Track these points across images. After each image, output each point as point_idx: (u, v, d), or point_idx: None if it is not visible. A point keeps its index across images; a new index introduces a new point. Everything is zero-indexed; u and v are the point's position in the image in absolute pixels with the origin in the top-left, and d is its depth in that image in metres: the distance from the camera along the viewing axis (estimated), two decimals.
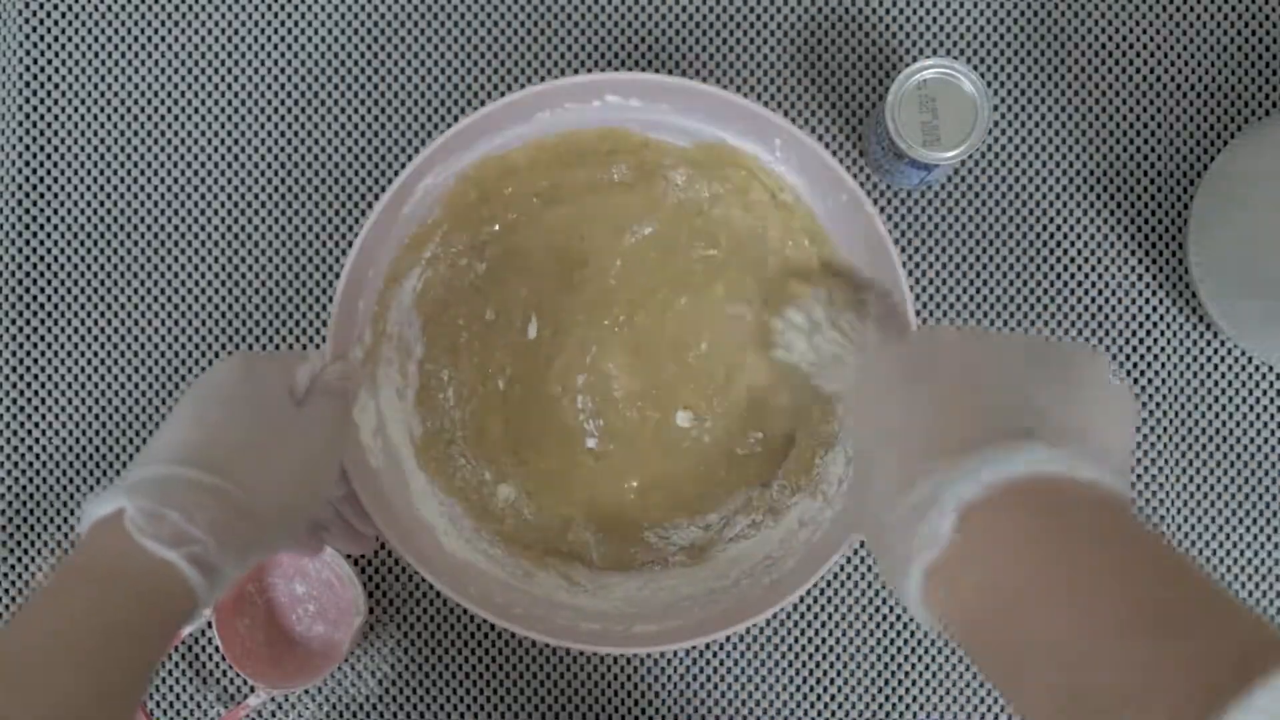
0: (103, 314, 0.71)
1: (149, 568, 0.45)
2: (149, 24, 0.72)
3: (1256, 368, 0.70)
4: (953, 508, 0.35)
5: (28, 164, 0.71)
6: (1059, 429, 0.37)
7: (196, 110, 0.72)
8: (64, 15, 0.72)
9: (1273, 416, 0.70)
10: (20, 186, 0.71)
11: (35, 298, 0.71)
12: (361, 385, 0.62)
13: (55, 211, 0.71)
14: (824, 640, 0.70)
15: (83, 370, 0.71)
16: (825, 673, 0.70)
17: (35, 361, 0.71)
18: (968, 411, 0.38)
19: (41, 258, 0.71)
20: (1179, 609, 0.32)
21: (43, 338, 0.71)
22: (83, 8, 0.72)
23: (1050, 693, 0.33)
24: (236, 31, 0.72)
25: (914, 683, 0.70)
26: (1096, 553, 0.34)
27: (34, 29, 0.72)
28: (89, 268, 0.71)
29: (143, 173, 0.72)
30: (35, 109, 0.71)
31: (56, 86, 0.72)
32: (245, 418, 0.52)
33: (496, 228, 0.67)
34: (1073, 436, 0.37)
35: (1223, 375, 0.70)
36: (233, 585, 0.49)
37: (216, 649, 0.70)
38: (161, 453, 0.49)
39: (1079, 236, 0.71)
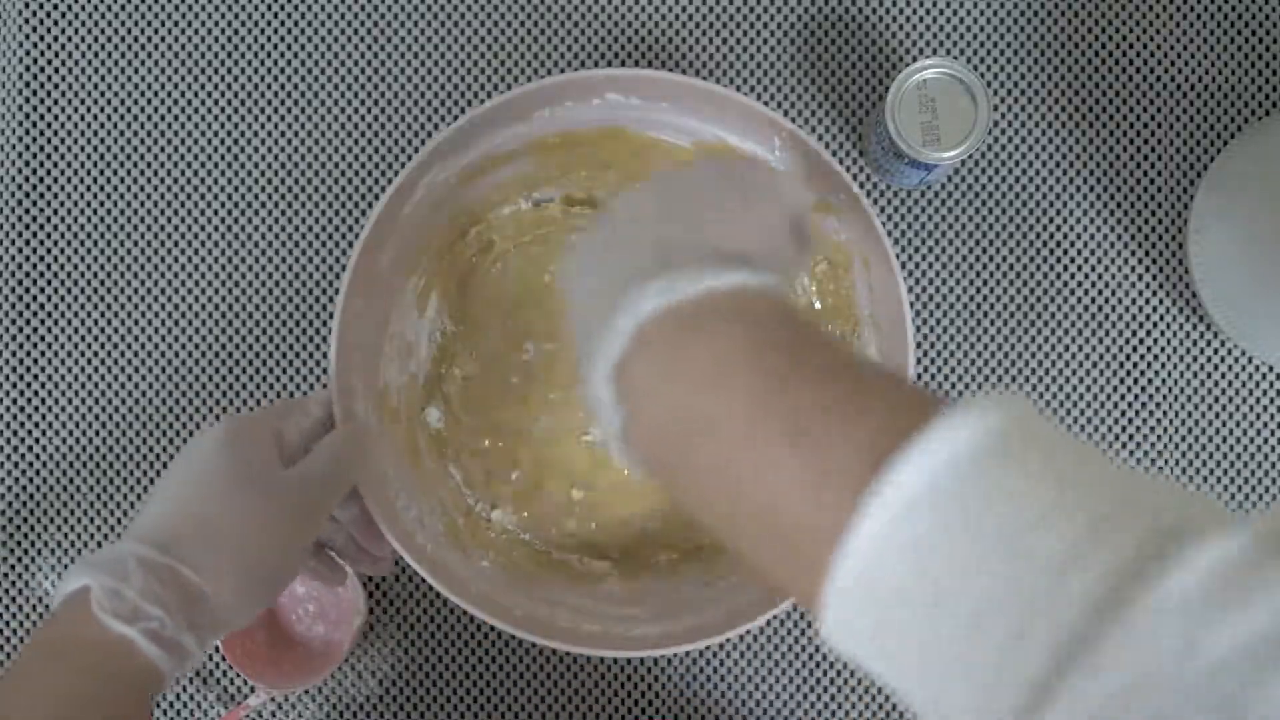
0: (103, 314, 0.71)
1: (109, 643, 0.47)
2: (149, 24, 0.72)
3: (1256, 368, 0.70)
4: (632, 321, 0.37)
5: (28, 164, 0.71)
6: (728, 255, 0.39)
7: (196, 110, 0.72)
8: (64, 15, 0.72)
9: (1273, 416, 0.70)
10: (20, 186, 0.71)
11: (35, 298, 0.71)
12: (364, 453, 0.61)
13: (55, 211, 0.71)
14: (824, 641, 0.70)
15: (83, 370, 0.71)
16: (825, 674, 0.70)
17: (35, 361, 0.71)
18: (646, 249, 0.40)
19: (41, 258, 0.71)
20: (829, 406, 0.33)
21: (43, 338, 0.71)
22: (83, 8, 0.72)
23: (728, 498, 0.35)
24: (236, 31, 0.72)
25: None
26: (755, 360, 0.35)
27: (34, 29, 0.72)
28: (89, 268, 0.71)
29: (143, 173, 0.71)
30: (35, 109, 0.71)
31: (56, 86, 0.72)
32: (214, 493, 0.52)
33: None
34: (739, 258, 0.39)
35: (1223, 375, 0.70)
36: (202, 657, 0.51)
37: (216, 649, 0.70)
38: (135, 529, 0.51)
39: (1079, 236, 0.71)
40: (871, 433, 0.32)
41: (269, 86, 0.72)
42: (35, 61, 0.72)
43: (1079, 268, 0.71)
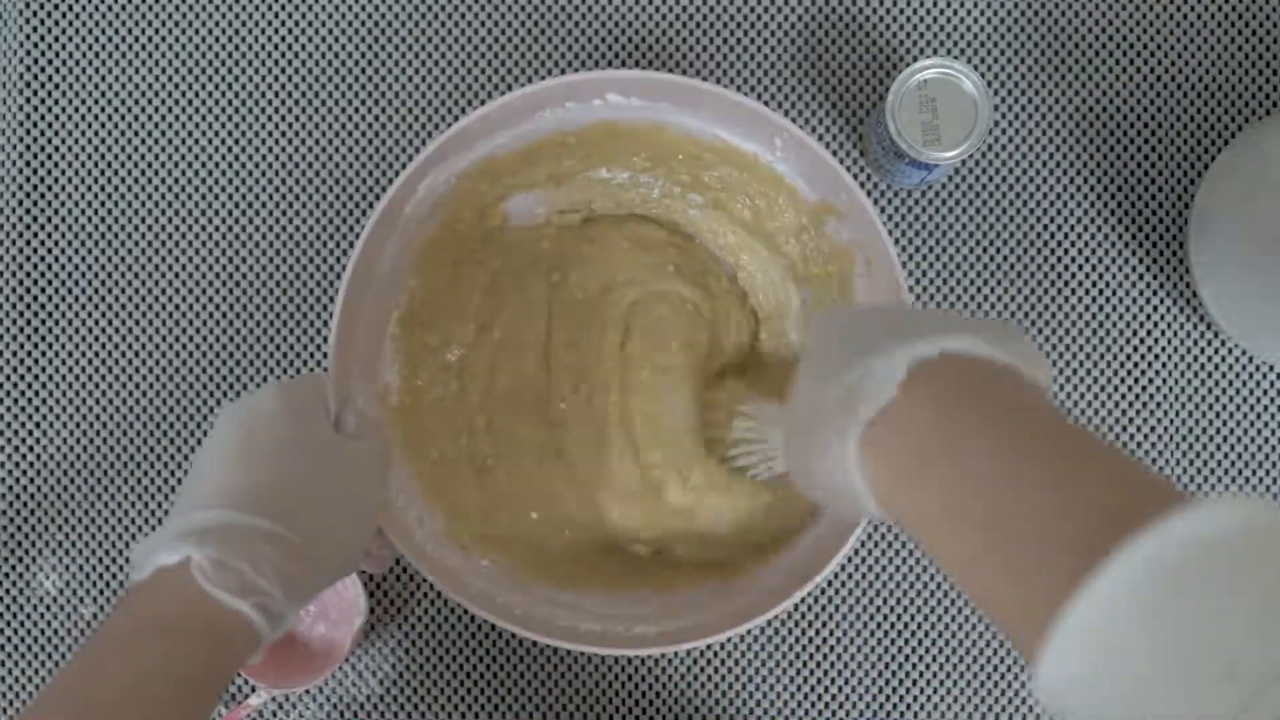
0: (103, 314, 0.71)
1: (219, 618, 0.46)
2: (149, 24, 0.72)
3: (1257, 368, 0.70)
4: (904, 362, 0.39)
5: (28, 164, 0.71)
6: (955, 324, 0.42)
7: (197, 110, 0.72)
8: (64, 15, 0.72)
9: (1273, 416, 0.70)
10: (20, 186, 0.71)
11: (35, 298, 0.71)
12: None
13: (55, 211, 0.71)
14: (824, 641, 0.70)
15: (83, 370, 0.71)
16: (825, 673, 0.70)
17: (35, 361, 0.71)
18: (889, 329, 0.43)
19: (42, 258, 0.71)
20: (1084, 457, 0.36)
21: (43, 338, 0.71)
22: (83, 8, 0.72)
23: (973, 519, 0.36)
24: (236, 31, 0.72)
25: (914, 683, 0.70)
26: (1023, 410, 0.38)
27: (34, 29, 0.72)
28: (89, 268, 0.71)
29: (143, 173, 0.72)
30: (35, 109, 0.71)
31: (56, 86, 0.72)
32: (297, 454, 0.52)
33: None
34: (966, 326, 0.42)
35: (1223, 375, 0.70)
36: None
37: None
38: (216, 496, 0.49)
39: (1079, 236, 0.71)
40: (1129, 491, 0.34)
41: (269, 86, 0.72)
42: (35, 61, 0.72)
43: (1079, 268, 0.71)
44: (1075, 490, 0.35)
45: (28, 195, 0.71)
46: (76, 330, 0.71)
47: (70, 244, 0.71)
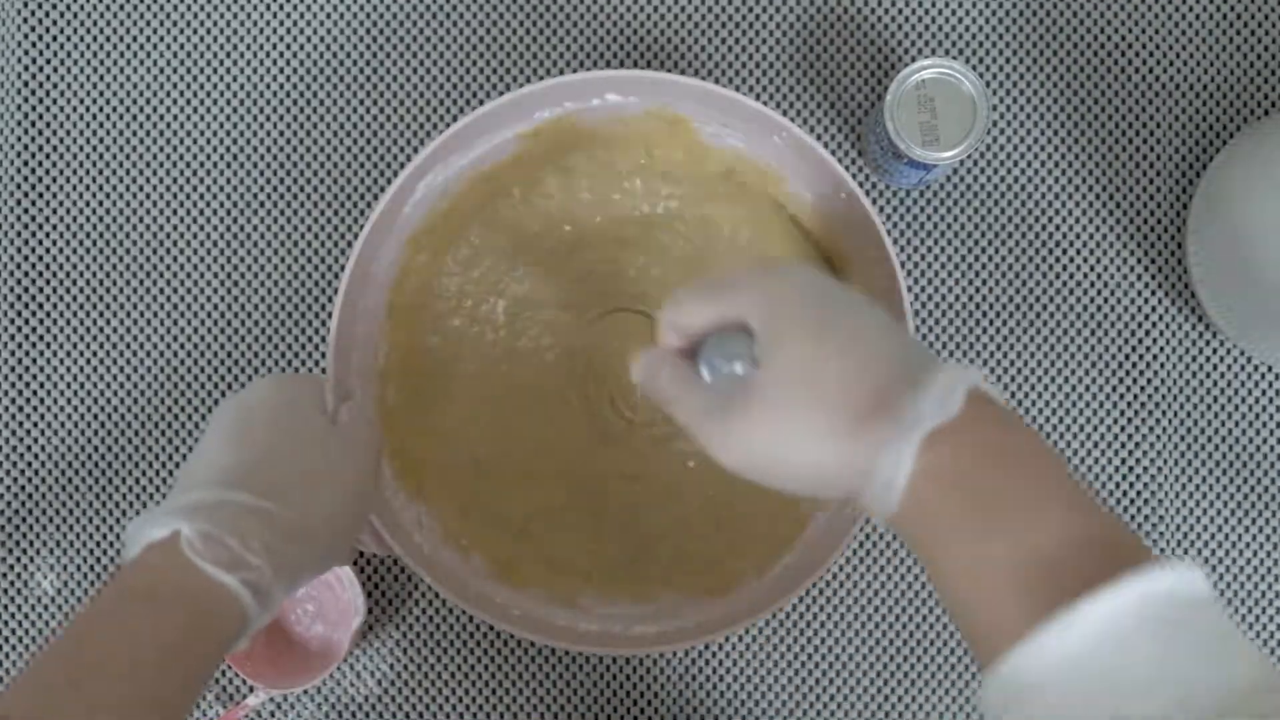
0: (102, 314, 0.71)
1: (206, 591, 0.46)
2: (149, 24, 0.72)
3: (1256, 368, 0.70)
4: (962, 389, 0.41)
5: (27, 164, 0.71)
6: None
7: (196, 110, 0.72)
8: (64, 15, 0.72)
9: (1272, 416, 0.70)
10: (20, 186, 0.71)
11: (35, 298, 0.71)
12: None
13: (55, 211, 0.71)
14: (824, 640, 0.70)
15: (82, 370, 0.71)
16: (825, 673, 0.70)
17: (35, 362, 0.71)
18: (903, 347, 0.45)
19: (41, 258, 0.71)
20: (1082, 494, 0.41)
21: (42, 338, 0.71)
22: (82, 8, 0.72)
23: (1010, 529, 0.40)
24: (236, 31, 0.72)
25: (913, 683, 0.70)
26: (1040, 446, 0.43)
27: (34, 29, 0.72)
28: (89, 268, 0.71)
29: (142, 173, 0.72)
30: (35, 109, 0.72)
31: (56, 86, 0.72)
32: (291, 439, 0.52)
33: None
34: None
35: (1222, 375, 0.70)
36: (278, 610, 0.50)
37: None
38: (208, 476, 0.49)
39: (1078, 237, 0.71)
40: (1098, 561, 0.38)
41: (268, 86, 0.72)
42: (35, 61, 0.72)
43: (1078, 268, 0.71)
44: (1083, 528, 0.40)
45: (26, 195, 0.71)
46: (75, 330, 0.71)
47: (69, 243, 0.71)
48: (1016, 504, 0.41)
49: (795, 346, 0.44)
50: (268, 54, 0.72)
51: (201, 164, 0.71)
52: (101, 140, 0.72)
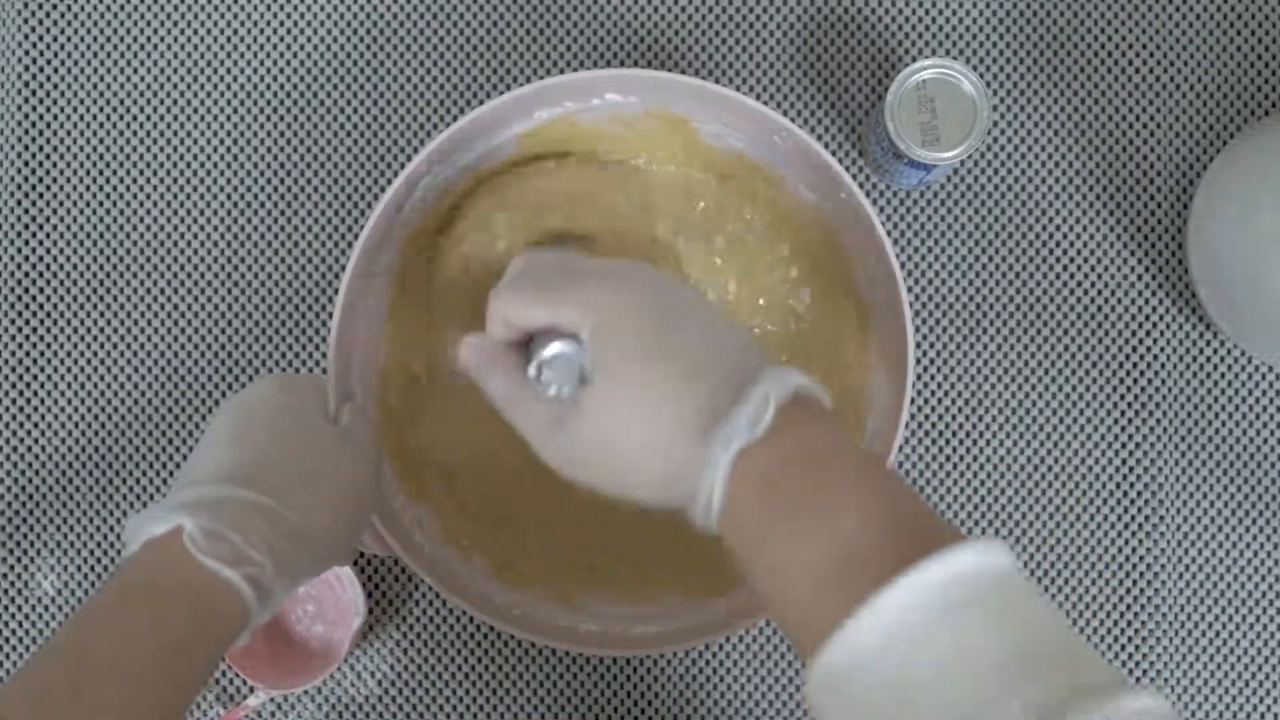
0: (102, 314, 0.71)
1: (208, 586, 0.46)
2: (149, 24, 0.72)
3: (1256, 368, 0.70)
4: (775, 400, 0.42)
5: (27, 164, 0.71)
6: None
7: (196, 110, 0.72)
8: (64, 15, 0.72)
9: (1272, 417, 0.70)
10: (20, 186, 0.71)
11: (35, 298, 0.71)
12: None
13: (55, 211, 0.71)
14: None
15: (82, 370, 0.71)
16: None
17: (35, 361, 0.71)
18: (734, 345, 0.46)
19: (41, 258, 0.71)
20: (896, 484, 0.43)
21: (42, 338, 0.71)
22: (82, 8, 0.72)
23: (816, 527, 0.41)
24: (236, 31, 0.72)
25: None
26: (850, 446, 0.44)
27: (34, 29, 0.72)
28: (89, 268, 0.71)
29: (142, 173, 0.72)
30: (35, 109, 0.72)
31: (56, 86, 0.72)
32: (292, 439, 0.52)
33: None
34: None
35: (1222, 375, 0.70)
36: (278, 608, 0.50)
37: None
38: (210, 473, 0.49)
39: (1078, 237, 0.71)
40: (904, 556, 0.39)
41: (268, 86, 0.72)
42: (35, 61, 0.72)
43: (1078, 268, 0.71)
44: (888, 517, 0.41)
45: (27, 195, 0.71)
46: (75, 330, 0.71)
47: (69, 243, 0.71)
48: (821, 502, 0.41)
49: (623, 368, 0.45)
50: (268, 54, 0.72)
51: (201, 164, 0.71)
52: (101, 140, 0.72)
